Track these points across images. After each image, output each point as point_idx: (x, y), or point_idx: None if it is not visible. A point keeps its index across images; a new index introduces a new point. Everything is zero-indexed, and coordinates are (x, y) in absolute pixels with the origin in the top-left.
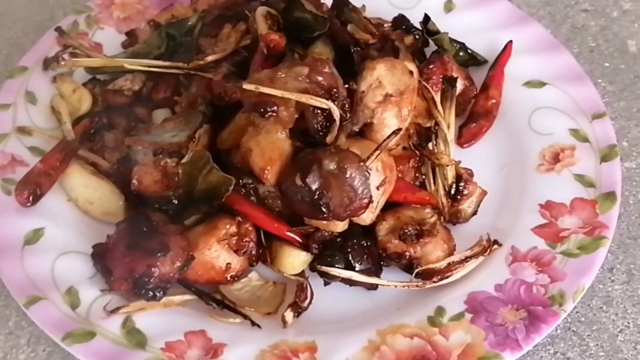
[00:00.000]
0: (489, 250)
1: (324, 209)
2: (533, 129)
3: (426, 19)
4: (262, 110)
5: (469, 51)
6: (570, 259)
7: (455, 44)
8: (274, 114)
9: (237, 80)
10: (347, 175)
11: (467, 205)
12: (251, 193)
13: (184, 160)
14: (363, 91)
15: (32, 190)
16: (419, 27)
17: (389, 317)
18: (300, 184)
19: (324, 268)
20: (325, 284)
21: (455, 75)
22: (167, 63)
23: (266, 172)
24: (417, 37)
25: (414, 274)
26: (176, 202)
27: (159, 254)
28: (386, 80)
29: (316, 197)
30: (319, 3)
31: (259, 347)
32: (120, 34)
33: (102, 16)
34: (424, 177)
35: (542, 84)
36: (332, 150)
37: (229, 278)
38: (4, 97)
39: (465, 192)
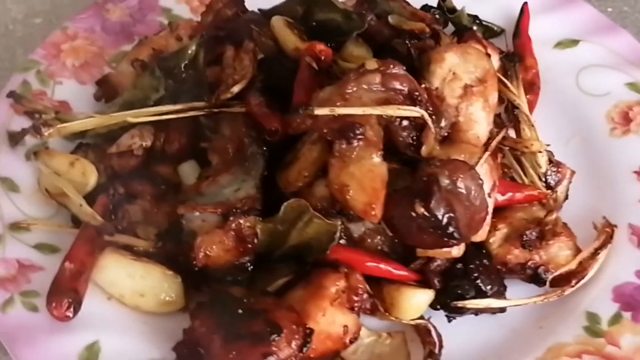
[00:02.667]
0: (612, 235)
1: (455, 235)
2: (586, 91)
3: None
4: (348, 135)
5: (484, 23)
6: None
7: (469, 18)
8: (362, 137)
9: (275, 108)
10: (463, 189)
11: (560, 191)
12: (341, 236)
13: (280, 214)
14: (437, 88)
15: (69, 298)
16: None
17: (536, 339)
18: (422, 212)
19: (459, 303)
20: (450, 320)
21: (490, 52)
22: (180, 106)
23: (373, 206)
24: (437, 16)
25: (548, 283)
26: (251, 268)
27: (272, 337)
28: (461, 70)
29: (444, 222)
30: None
31: None
32: (85, 85)
33: (54, 68)
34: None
35: (574, 42)
36: (436, 164)
37: (347, 342)
38: None
39: (559, 176)
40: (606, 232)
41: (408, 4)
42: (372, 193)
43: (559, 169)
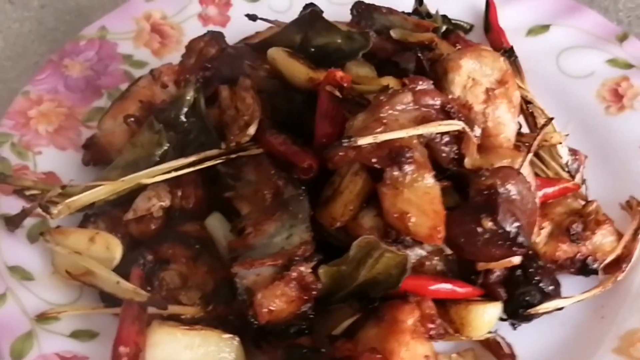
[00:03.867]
0: None
1: (524, 243)
2: (570, 74)
3: (420, 0)
4: (399, 160)
5: (453, 21)
6: None
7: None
8: (412, 160)
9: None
10: (517, 195)
11: (578, 178)
12: None
13: (351, 254)
14: (459, 97)
15: None
16: None
17: (602, 330)
18: (490, 226)
19: (532, 310)
20: (514, 327)
21: None
22: (194, 157)
23: (439, 229)
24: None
25: (599, 272)
26: (312, 314)
27: None
28: (479, 75)
29: (513, 233)
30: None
31: None
32: (65, 150)
33: (28, 138)
34: None
35: (545, 27)
36: (485, 174)
37: None
38: None
39: (578, 163)
40: (638, 211)
41: (408, 15)
42: (435, 216)
43: (576, 156)
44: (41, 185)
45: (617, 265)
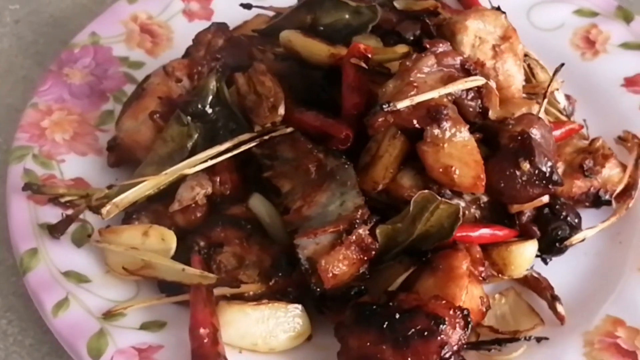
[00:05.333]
0: None
1: (558, 181)
2: (542, 28)
3: None
4: (438, 118)
5: None
6: None
7: None
8: (449, 117)
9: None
10: (541, 138)
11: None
12: None
13: (411, 210)
14: (469, 55)
15: None
16: None
17: (625, 254)
18: (528, 169)
19: (566, 242)
20: (546, 262)
21: None
22: (229, 144)
23: (481, 177)
24: None
25: (613, 201)
26: (368, 275)
27: (440, 328)
28: (484, 33)
29: (548, 172)
30: None
31: None
32: (87, 155)
33: (47, 148)
34: None
35: None
36: (511, 122)
37: (485, 312)
38: (48, 296)
39: (571, 106)
40: (634, 143)
41: None
42: (476, 165)
43: (570, 100)
44: (74, 191)
45: (626, 193)
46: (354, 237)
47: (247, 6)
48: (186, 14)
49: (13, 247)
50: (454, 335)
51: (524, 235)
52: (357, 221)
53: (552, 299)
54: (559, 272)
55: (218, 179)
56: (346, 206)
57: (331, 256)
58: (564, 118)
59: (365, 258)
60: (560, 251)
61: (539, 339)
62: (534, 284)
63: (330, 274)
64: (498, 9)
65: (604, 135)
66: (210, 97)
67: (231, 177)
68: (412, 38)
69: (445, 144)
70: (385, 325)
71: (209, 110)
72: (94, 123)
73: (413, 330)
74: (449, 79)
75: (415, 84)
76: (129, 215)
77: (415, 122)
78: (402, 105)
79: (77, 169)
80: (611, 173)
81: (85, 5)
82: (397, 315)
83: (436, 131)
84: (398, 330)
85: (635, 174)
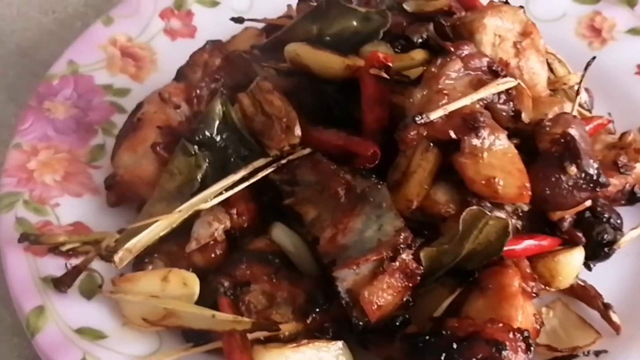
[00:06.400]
0: None
1: (606, 183)
2: (544, 19)
3: None
4: (475, 126)
5: None
6: None
7: None
8: (485, 124)
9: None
10: (579, 137)
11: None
12: None
13: (460, 230)
14: (491, 55)
15: None
16: None
17: None
18: (575, 172)
19: (615, 247)
20: (590, 269)
21: None
22: (244, 172)
23: (527, 186)
24: None
25: None
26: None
27: (503, 354)
28: (503, 30)
29: (596, 175)
30: None
31: None
32: (82, 197)
33: (38, 192)
34: None
35: None
36: (547, 124)
37: (539, 329)
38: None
39: (591, 99)
40: None
41: None
42: (520, 174)
43: (589, 94)
44: (76, 238)
45: None
46: (397, 264)
47: (239, 20)
48: (168, 33)
49: (16, 306)
50: (520, 356)
51: (569, 242)
52: (401, 246)
53: (605, 308)
54: (603, 278)
55: (235, 211)
56: (385, 230)
57: (374, 286)
58: (587, 113)
59: (410, 285)
60: (607, 256)
61: (597, 353)
62: (582, 293)
63: (375, 306)
64: (507, 3)
65: (623, 127)
66: (217, 123)
67: (247, 207)
68: (420, 41)
69: (485, 154)
70: (443, 358)
71: (217, 137)
72: (85, 160)
73: (474, 359)
74: (478, 83)
75: (445, 92)
76: (141, 260)
77: (451, 132)
78: (435, 115)
79: (74, 212)
80: None
81: (53, 31)
82: (455, 345)
83: (474, 141)
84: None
85: None
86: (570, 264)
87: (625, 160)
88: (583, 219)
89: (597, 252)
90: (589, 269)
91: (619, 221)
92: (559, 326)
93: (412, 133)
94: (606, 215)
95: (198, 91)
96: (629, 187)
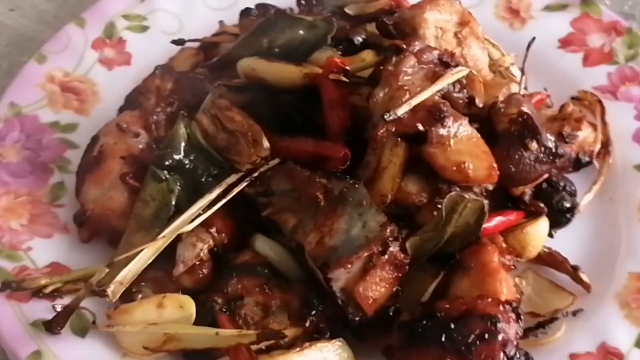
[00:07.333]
0: (599, 100)
1: (563, 153)
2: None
3: None
4: (441, 117)
5: None
6: None
7: None
8: (448, 113)
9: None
10: (533, 114)
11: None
12: None
13: (444, 215)
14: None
15: None
16: None
17: (618, 207)
18: (536, 147)
19: (576, 211)
20: (552, 235)
21: None
22: (220, 189)
23: (494, 166)
24: None
25: (594, 161)
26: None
27: (498, 327)
28: (443, 22)
29: (554, 147)
30: None
31: None
32: (52, 237)
33: (7, 239)
34: None
35: None
36: (501, 106)
37: (520, 299)
38: None
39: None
40: (594, 100)
41: None
42: (487, 156)
43: (522, 72)
44: (57, 278)
45: (603, 150)
46: (386, 257)
47: (180, 42)
48: (104, 63)
49: (10, 356)
50: (511, 330)
51: (532, 214)
52: (390, 239)
53: (574, 270)
54: (563, 243)
55: (214, 229)
56: (370, 227)
57: (367, 281)
58: (524, 91)
59: (400, 275)
60: (568, 221)
61: (574, 312)
62: (550, 260)
63: (371, 300)
64: None
65: (555, 99)
66: (183, 145)
67: (225, 223)
68: (360, 41)
69: (452, 141)
70: (444, 339)
71: (185, 160)
72: (48, 200)
73: (473, 336)
74: (433, 75)
75: (405, 88)
76: (129, 290)
77: (419, 125)
78: (402, 111)
79: (48, 253)
80: (585, 134)
81: None
82: (452, 325)
83: (441, 130)
84: (457, 340)
85: (605, 130)
86: (538, 234)
87: (569, 130)
88: (541, 190)
89: (559, 219)
90: (551, 236)
91: (573, 188)
92: (534, 293)
93: (381, 131)
94: (561, 184)
95: (155, 117)
96: (574, 155)
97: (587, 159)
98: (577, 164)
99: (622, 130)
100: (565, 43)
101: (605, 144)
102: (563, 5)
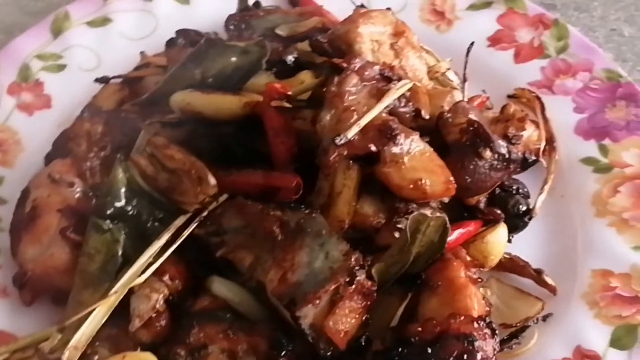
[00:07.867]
0: (538, 96)
1: (517, 158)
2: None
3: None
4: (392, 135)
5: None
6: None
7: None
8: (399, 130)
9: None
10: (481, 121)
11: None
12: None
13: (408, 238)
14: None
15: None
16: None
17: (571, 203)
18: (490, 155)
19: (532, 214)
20: (510, 240)
21: None
22: (168, 235)
23: (451, 179)
24: None
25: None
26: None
27: (475, 345)
28: (378, 35)
29: (507, 153)
30: None
31: None
32: None
33: None
34: None
35: None
36: (447, 116)
37: (489, 311)
38: None
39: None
40: (532, 97)
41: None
42: (442, 170)
43: (458, 76)
44: (3, 349)
45: (549, 147)
46: (354, 286)
47: (104, 80)
48: (22, 109)
49: None
50: (488, 347)
51: (490, 221)
52: (355, 268)
53: (537, 273)
54: (522, 247)
55: (167, 277)
56: (333, 257)
57: (337, 314)
58: (461, 95)
59: (369, 303)
60: (526, 225)
61: (544, 318)
62: (511, 266)
63: (342, 333)
64: (362, 6)
65: (493, 98)
66: (124, 190)
67: (178, 269)
68: (292, 60)
69: (406, 159)
70: None
71: (127, 206)
72: None
73: (451, 359)
74: (377, 92)
75: (352, 108)
76: (83, 353)
77: (371, 146)
78: (352, 133)
79: None
80: (529, 133)
81: None
82: (429, 350)
83: (393, 149)
84: None
85: (547, 127)
86: (498, 241)
87: (514, 131)
88: (495, 196)
89: (516, 223)
90: (510, 241)
91: (526, 189)
92: (500, 302)
93: (333, 156)
94: (514, 187)
95: (89, 163)
96: (521, 155)
97: (533, 157)
98: (525, 164)
99: (563, 125)
100: (494, 41)
101: (550, 141)
102: (487, 2)
